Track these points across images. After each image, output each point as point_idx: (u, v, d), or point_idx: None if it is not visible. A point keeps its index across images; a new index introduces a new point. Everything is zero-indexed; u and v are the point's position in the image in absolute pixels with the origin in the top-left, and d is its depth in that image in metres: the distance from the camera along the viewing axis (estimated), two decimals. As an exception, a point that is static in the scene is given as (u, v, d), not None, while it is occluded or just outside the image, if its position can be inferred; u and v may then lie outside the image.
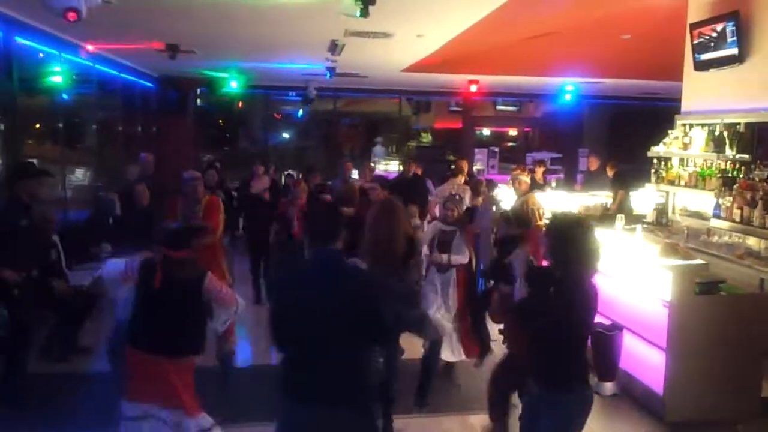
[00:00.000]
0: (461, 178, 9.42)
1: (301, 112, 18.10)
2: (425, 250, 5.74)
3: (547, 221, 3.66)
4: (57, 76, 8.57)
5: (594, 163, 11.44)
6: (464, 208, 7.07)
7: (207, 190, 8.16)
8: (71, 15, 4.34)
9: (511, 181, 7.73)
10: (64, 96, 9.34)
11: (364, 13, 5.89)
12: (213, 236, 5.88)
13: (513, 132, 19.95)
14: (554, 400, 3.23)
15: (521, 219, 5.74)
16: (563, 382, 3.21)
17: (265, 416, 4.90)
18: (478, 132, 18.04)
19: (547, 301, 3.24)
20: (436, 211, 8.15)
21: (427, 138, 21.19)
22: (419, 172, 10.02)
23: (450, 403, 5.43)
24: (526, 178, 7.50)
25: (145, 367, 3.64)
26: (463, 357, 5.94)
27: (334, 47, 8.58)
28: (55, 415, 4.95)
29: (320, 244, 3.05)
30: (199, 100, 15.83)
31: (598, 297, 3.26)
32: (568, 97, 14.47)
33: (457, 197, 6.56)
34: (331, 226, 3.07)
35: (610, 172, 10.46)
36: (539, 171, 11.18)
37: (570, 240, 3.18)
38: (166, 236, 3.74)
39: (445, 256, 5.72)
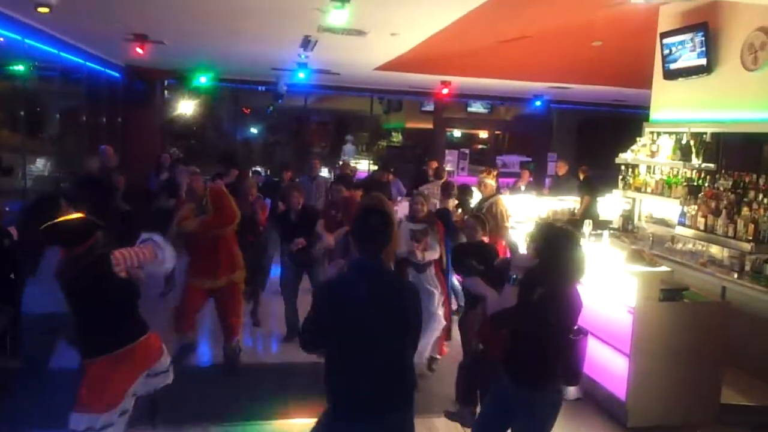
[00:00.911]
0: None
1: (270, 107, 17.93)
2: (403, 249, 5.67)
3: (536, 228, 3.66)
4: (19, 63, 8.32)
5: (562, 168, 11.58)
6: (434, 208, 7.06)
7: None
8: (42, 9, 4.25)
9: (477, 184, 7.77)
10: (26, 83, 9.07)
11: (341, 7, 5.84)
12: (225, 226, 5.81)
13: (484, 134, 20.03)
14: (530, 398, 3.34)
15: (487, 224, 5.74)
16: (541, 381, 3.33)
17: (267, 415, 4.99)
18: (448, 133, 18.07)
19: (533, 304, 3.27)
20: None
21: (397, 138, 21.18)
22: (390, 178, 9.94)
23: (441, 403, 5.35)
24: (491, 181, 7.55)
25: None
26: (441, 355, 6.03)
27: (307, 43, 8.48)
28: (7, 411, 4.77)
29: (371, 254, 2.94)
30: (166, 92, 15.54)
31: (582, 305, 3.37)
32: (538, 103, 14.62)
33: (425, 192, 6.56)
34: (383, 236, 2.97)
35: (581, 176, 10.58)
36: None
37: (559, 250, 3.28)
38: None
39: (419, 254, 5.69)
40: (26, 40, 8.37)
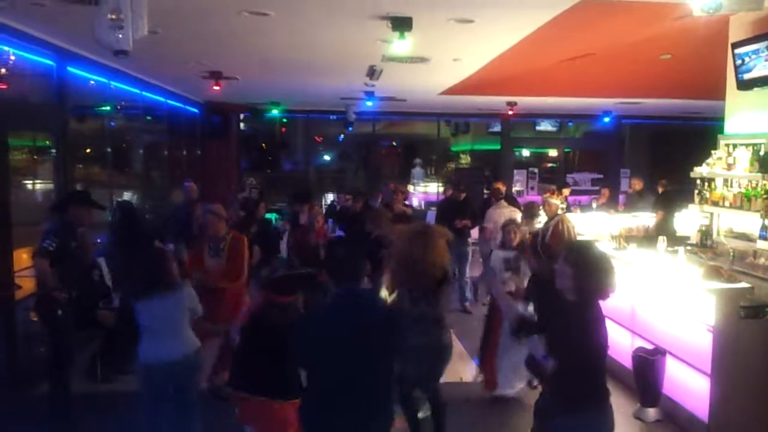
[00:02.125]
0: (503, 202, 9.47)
1: (341, 135, 18.36)
2: (500, 280, 5.68)
3: (567, 247, 3.63)
4: (106, 104, 8.94)
5: (638, 184, 11.35)
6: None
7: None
8: (122, 55, 4.64)
9: (542, 204, 7.74)
10: (113, 122, 9.71)
11: (402, 38, 6.01)
12: (237, 281, 5.83)
13: (553, 152, 19.78)
14: (559, 421, 3.22)
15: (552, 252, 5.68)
16: (572, 405, 3.16)
17: None
18: (517, 153, 17.97)
19: (563, 325, 3.20)
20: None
21: (466, 160, 21.19)
22: (463, 195, 9.93)
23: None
24: (556, 201, 7.51)
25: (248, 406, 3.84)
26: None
27: (372, 72, 8.71)
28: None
29: (345, 282, 3.06)
30: (242, 125, 16.20)
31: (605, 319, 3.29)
32: (606, 119, 14.40)
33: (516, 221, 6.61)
34: (356, 264, 3.09)
35: (659, 189, 10.41)
36: (565, 192, 11.16)
37: (589, 268, 3.18)
38: (272, 281, 3.94)
39: (512, 283, 5.73)
40: (112, 83, 8.99)
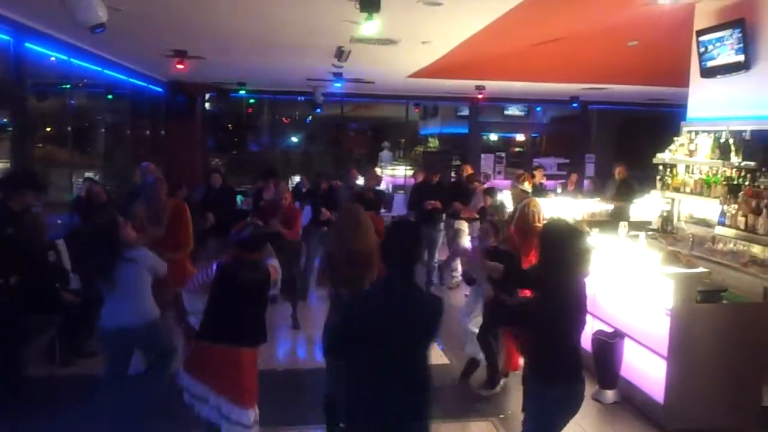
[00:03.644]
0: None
1: (309, 117, 18.21)
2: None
3: (543, 225, 3.74)
4: (66, 81, 8.70)
5: (622, 172, 10.53)
6: None
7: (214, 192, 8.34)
8: (99, 30, 4.57)
9: (511, 188, 7.77)
10: (73, 101, 9.46)
11: (370, 19, 5.94)
12: (181, 251, 5.79)
13: (521, 137, 19.93)
14: (538, 392, 3.42)
15: (503, 231, 5.74)
16: (546, 375, 3.38)
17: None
18: (485, 137, 18.04)
19: (539, 300, 3.38)
20: None
21: (434, 143, 21.20)
22: (436, 178, 9.92)
23: (448, 409, 5.41)
24: (524, 186, 7.52)
25: (212, 355, 3.96)
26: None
27: (341, 53, 8.63)
28: (52, 418, 4.98)
29: (399, 266, 3.02)
30: (207, 105, 15.94)
31: (587, 298, 3.44)
32: (574, 105, 14.52)
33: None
34: (411, 249, 3.06)
35: (618, 176, 10.40)
36: (538, 174, 11.18)
37: (564, 245, 3.31)
38: (242, 240, 4.08)
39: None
40: (72, 60, 8.74)
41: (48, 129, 10.29)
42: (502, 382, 5.84)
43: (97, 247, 4.65)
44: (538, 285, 3.45)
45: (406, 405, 2.94)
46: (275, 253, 4.46)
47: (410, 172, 16.41)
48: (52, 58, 8.33)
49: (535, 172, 11.07)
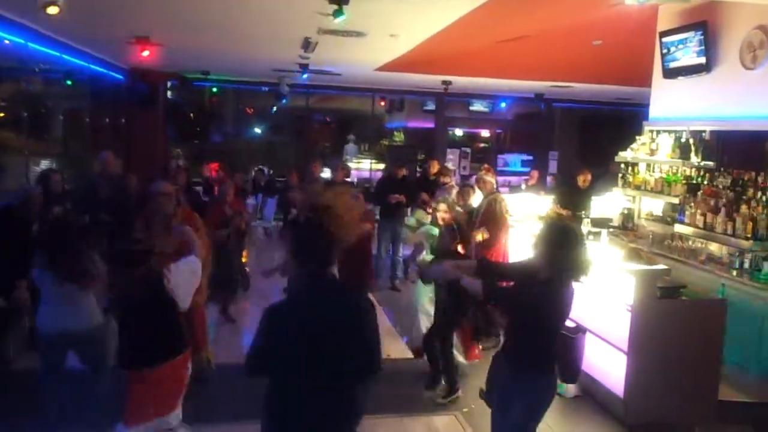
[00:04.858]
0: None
1: (274, 108, 18.01)
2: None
3: (544, 224, 3.72)
4: (22, 66, 8.41)
5: (585, 179, 9.28)
6: None
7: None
8: (51, 9, 4.32)
9: (476, 181, 7.79)
10: (29, 85, 9.16)
11: (340, 13, 5.89)
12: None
13: (485, 133, 20.06)
14: (528, 384, 3.46)
15: (463, 233, 5.70)
16: (538, 368, 3.46)
17: (240, 415, 4.78)
18: (450, 132, 18.10)
19: (533, 297, 3.35)
20: None
21: (399, 137, 21.19)
22: (402, 172, 9.90)
23: (413, 406, 5.42)
24: (490, 179, 7.56)
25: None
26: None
27: (307, 45, 8.53)
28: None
29: (314, 269, 2.76)
30: (169, 93, 15.62)
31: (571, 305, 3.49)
32: (538, 102, 14.66)
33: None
34: (326, 248, 2.74)
35: (581, 183, 9.26)
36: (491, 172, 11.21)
37: (566, 247, 3.32)
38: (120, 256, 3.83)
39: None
40: (29, 44, 8.45)
41: (1, 114, 9.96)
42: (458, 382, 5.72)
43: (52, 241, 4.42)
44: (536, 284, 3.39)
45: (326, 419, 2.74)
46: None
47: (376, 166, 16.38)
48: (6, 41, 8.04)
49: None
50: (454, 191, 8.40)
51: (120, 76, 13.11)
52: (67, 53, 9.93)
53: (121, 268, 3.86)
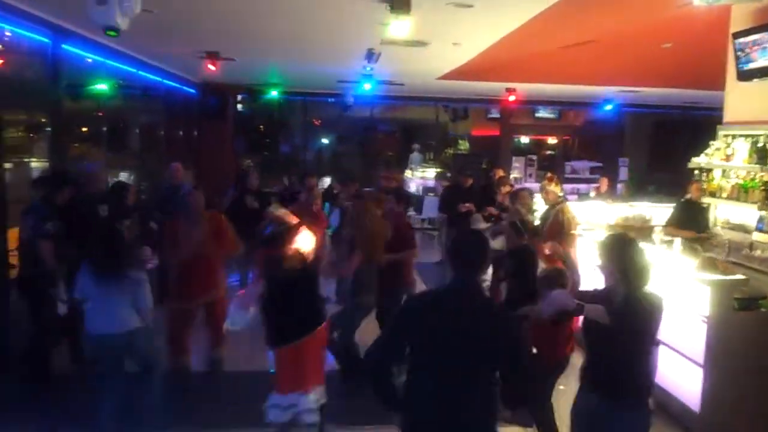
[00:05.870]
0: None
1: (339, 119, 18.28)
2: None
3: (603, 240, 3.54)
4: (102, 83, 8.85)
5: (697, 191, 7.71)
6: None
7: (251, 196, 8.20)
8: (111, 32, 4.57)
9: (540, 191, 7.67)
10: (109, 101, 9.63)
11: (401, 21, 5.93)
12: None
13: (552, 140, 19.73)
14: (619, 416, 3.24)
15: (533, 228, 5.62)
16: (625, 393, 3.24)
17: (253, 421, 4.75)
18: (516, 140, 17.89)
19: (613, 314, 3.21)
20: None
21: (464, 145, 21.09)
22: (470, 181, 9.92)
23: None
24: (554, 188, 7.42)
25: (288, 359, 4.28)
26: None
27: (371, 55, 8.64)
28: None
29: (466, 273, 2.94)
30: (239, 106, 16.09)
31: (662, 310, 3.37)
32: (608, 107, 14.31)
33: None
34: (482, 255, 2.98)
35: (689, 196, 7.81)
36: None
37: (630, 258, 3.28)
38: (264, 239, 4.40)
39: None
40: (108, 61, 8.89)
41: (84, 129, 10.49)
42: None
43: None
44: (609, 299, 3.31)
45: (455, 420, 2.81)
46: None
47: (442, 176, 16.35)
48: (88, 60, 8.49)
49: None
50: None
51: (192, 91, 13.63)
52: (143, 69, 10.41)
53: (269, 249, 4.32)
